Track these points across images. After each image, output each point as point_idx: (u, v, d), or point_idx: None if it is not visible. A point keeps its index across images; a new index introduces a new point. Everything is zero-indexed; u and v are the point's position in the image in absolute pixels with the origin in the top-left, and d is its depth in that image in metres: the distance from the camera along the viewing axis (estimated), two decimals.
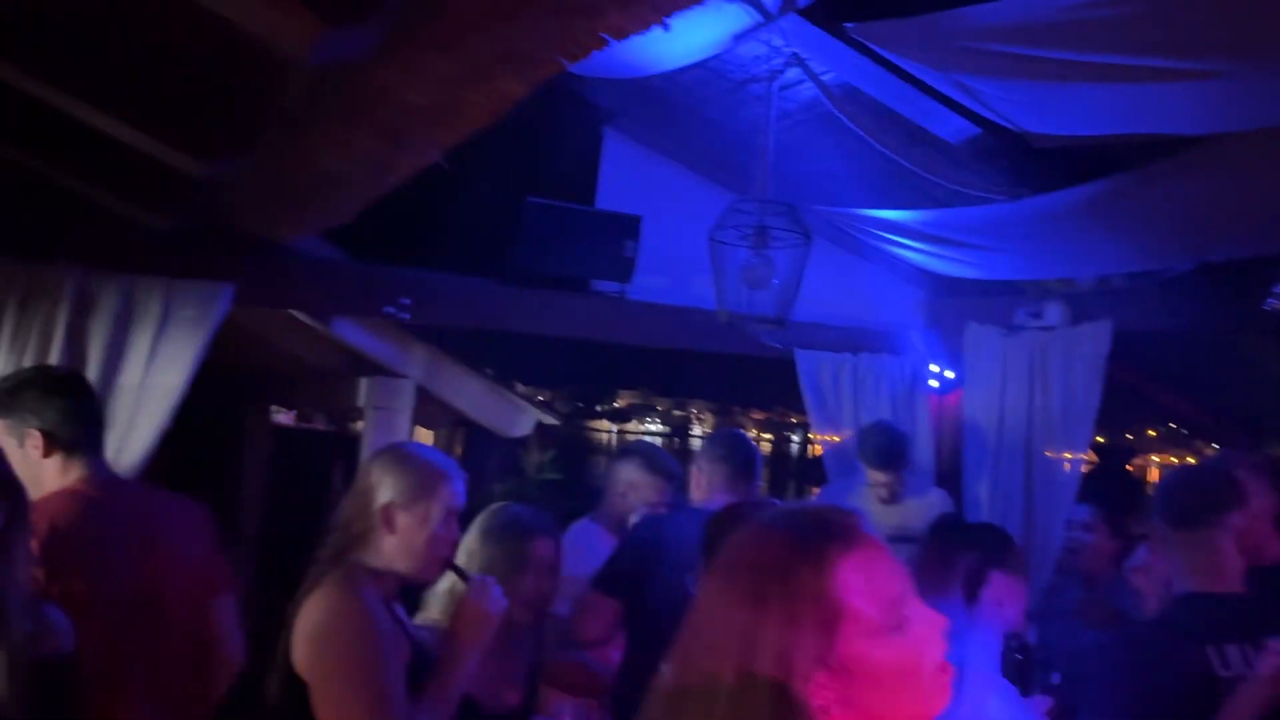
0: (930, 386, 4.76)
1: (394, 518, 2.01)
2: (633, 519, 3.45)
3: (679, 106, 4.03)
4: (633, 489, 3.58)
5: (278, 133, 1.85)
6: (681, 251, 4.39)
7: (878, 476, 4.10)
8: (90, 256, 3.08)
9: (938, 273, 4.45)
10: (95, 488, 2.37)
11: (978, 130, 3.35)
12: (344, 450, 5.96)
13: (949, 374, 4.73)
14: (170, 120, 1.93)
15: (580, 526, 3.64)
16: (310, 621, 1.92)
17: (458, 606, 2.09)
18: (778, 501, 2.43)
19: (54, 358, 3.03)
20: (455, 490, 2.07)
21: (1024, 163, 3.42)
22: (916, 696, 1.10)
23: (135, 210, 2.94)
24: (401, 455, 2.09)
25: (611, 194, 4.58)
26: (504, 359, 5.71)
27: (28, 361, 2.97)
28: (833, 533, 1.12)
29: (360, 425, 5.57)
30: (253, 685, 2.21)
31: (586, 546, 3.40)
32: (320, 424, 7.77)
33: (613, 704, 2.98)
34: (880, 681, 1.07)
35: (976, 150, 3.43)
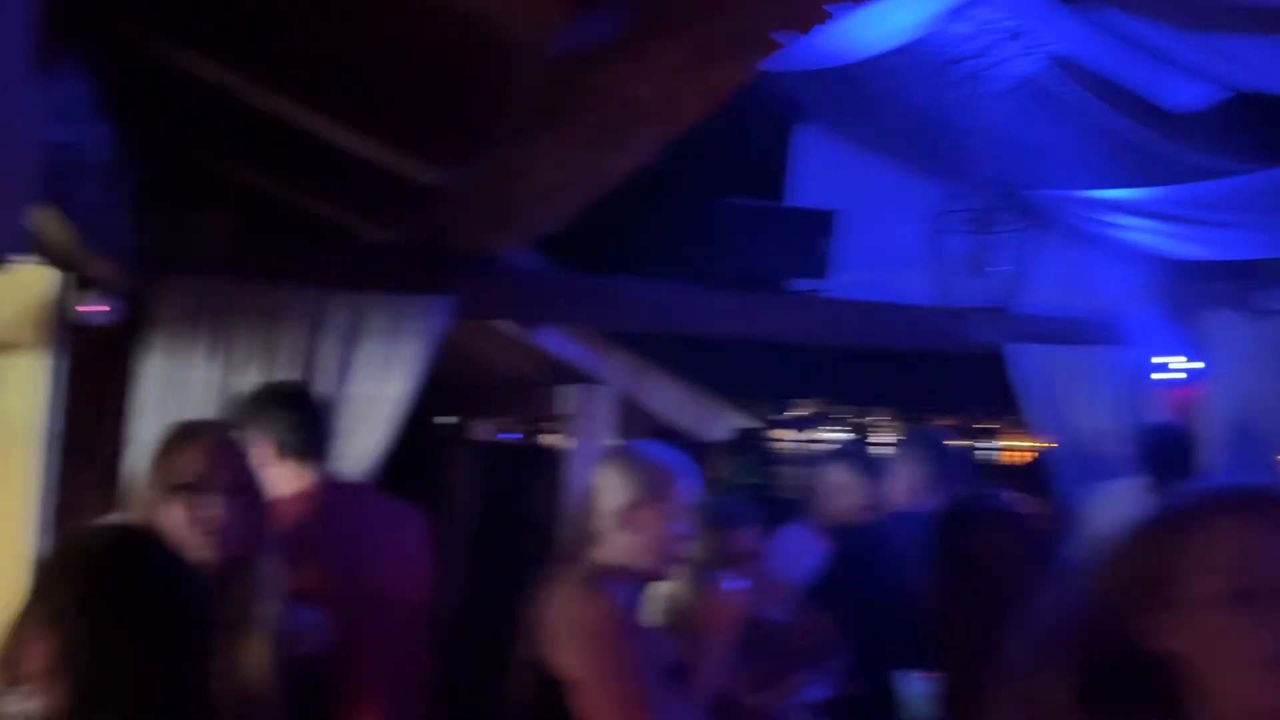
0: (1161, 380, 4.39)
1: (631, 517, 2.04)
2: (845, 522, 3.38)
3: (875, 94, 3.87)
4: (842, 491, 3.53)
5: (501, 138, 1.87)
6: (879, 246, 4.24)
7: (1160, 484, 3.77)
8: (320, 275, 3.25)
9: (1169, 255, 4.10)
10: (325, 491, 2.52)
11: (1221, 97, 3.06)
12: (545, 459, 6.08)
13: (1185, 365, 4.34)
14: (403, 126, 1.98)
15: (791, 531, 3.59)
16: (569, 620, 1.96)
17: (703, 603, 2.10)
18: (1000, 494, 2.32)
19: (289, 373, 3.21)
20: (688, 488, 2.10)
21: (1275, 130, 3.10)
22: (1256, 683, 0.99)
23: (364, 226, 3.07)
24: (636, 455, 2.13)
25: (803, 190, 4.48)
26: (691, 368, 5.68)
27: (266, 377, 3.15)
28: (1219, 500, 1.07)
29: (552, 436, 5.66)
30: (473, 687, 2.25)
31: (799, 551, 3.35)
32: (514, 433, 7.96)
33: (836, 713, 2.89)
34: (1215, 657, 1.00)
35: (1220, 119, 3.13)
